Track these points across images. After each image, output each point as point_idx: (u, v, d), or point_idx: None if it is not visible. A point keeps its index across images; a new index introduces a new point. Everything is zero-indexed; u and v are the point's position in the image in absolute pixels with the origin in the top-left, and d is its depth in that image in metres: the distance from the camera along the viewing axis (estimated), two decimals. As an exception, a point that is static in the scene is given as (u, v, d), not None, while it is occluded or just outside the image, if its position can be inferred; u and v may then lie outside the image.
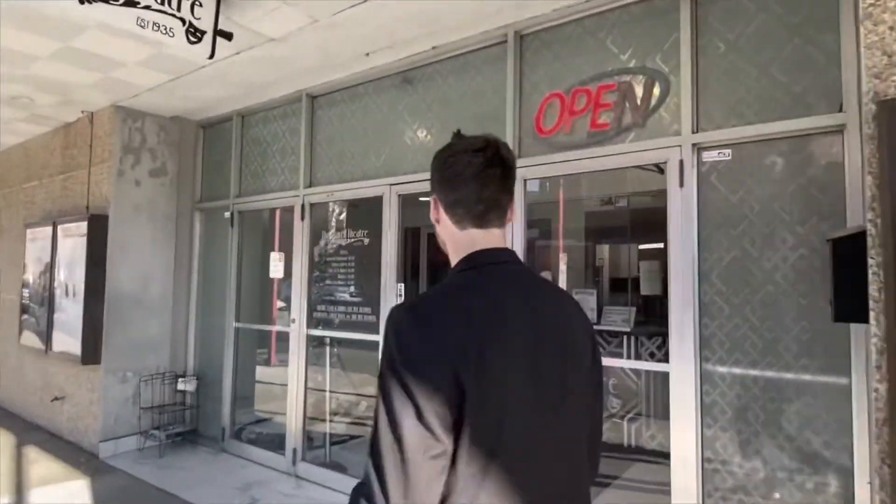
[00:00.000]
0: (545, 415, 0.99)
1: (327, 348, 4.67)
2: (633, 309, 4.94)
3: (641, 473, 4.05)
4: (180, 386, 5.25)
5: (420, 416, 0.88)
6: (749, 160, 2.69)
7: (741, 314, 2.66)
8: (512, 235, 3.31)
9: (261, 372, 5.55)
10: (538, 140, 3.38)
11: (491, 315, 0.97)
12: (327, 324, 4.48)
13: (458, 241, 1.11)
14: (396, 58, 3.95)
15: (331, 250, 4.48)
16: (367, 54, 3.96)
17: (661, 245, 5.62)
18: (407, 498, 0.87)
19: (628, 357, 4.61)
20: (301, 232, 4.58)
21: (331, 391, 4.72)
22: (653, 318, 5.04)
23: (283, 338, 4.76)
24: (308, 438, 4.52)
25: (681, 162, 2.81)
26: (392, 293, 3.95)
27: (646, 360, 4.56)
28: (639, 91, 3.02)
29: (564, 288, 3.53)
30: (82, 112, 5.32)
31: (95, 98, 4.94)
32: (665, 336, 4.52)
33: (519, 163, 3.37)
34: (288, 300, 4.81)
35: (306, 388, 4.49)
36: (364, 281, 4.29)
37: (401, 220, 3.98)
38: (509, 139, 3.44)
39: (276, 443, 4.87)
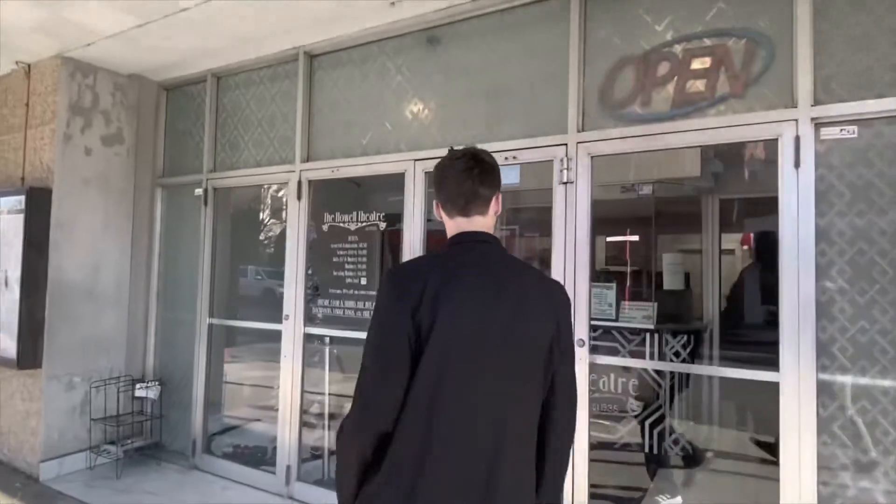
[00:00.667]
0: (486, 355, 1.26)
1: (327, 349, 4.04)
2: (655, 304, 4.61)
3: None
4: (139, 392, 4.46)
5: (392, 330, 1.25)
6: (879, 139, 2.33)
7: (867, 316, 2.31)
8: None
9: (228, 371, 4.82)
10: (605, 112, 2.91)
11: (450, 274, 1.29)
12: (329, 321, 3.85)
13: (449, 227, 1.44)
14: (423, 11, 3.37)
15: (335, 236, 3.85)
16: (393, 3, 3.35)
17: (687, 234, 5.33)
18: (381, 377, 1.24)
19: (651, 357, 4.26)
20: (297, 214, 3.91)
21: (331, 394, 4.10)
22: (676, 314, 4.73)
23: (268, 336, 4.09)
24: (303, 454, 3.89)
25: (796, 139, 2.42)
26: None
27: (671, 359, 4.21)
28: (738, 56, 2.60)
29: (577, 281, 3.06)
30: (17, 63, 4.37)
31: (36, 45, 4.03)
32: (691, 334, 4.26)
33: (583, 137, 2.90)
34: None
35: (303, 395, 3.86)
36: (378, 273, 3.70)
37: (427, 202, 3.41)
38: (572, 110, 2.95)
39: (260, 457, 4.20)
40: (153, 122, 4.79)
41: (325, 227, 3.89)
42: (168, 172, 4.78)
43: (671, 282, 4.79)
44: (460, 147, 1.46)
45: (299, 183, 3.91)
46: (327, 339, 4.01)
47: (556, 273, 2.92)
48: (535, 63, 3.12)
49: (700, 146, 2.73)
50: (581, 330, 2.85)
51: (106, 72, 4.49)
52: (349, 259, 3.74)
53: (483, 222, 1.41)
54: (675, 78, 2.74)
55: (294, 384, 3.85)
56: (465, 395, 1.24)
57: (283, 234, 4.35)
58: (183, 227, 4.65)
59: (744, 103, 2.59)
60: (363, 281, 3.69)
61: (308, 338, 3.89)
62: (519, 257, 1.58)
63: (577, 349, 2.84)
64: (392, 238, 3.64)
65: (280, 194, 4.57)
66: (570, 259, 2.89)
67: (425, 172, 3.39)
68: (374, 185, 3.83)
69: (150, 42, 3.97)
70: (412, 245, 3.40)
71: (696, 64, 2.69)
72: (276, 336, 4.00)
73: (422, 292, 1.24)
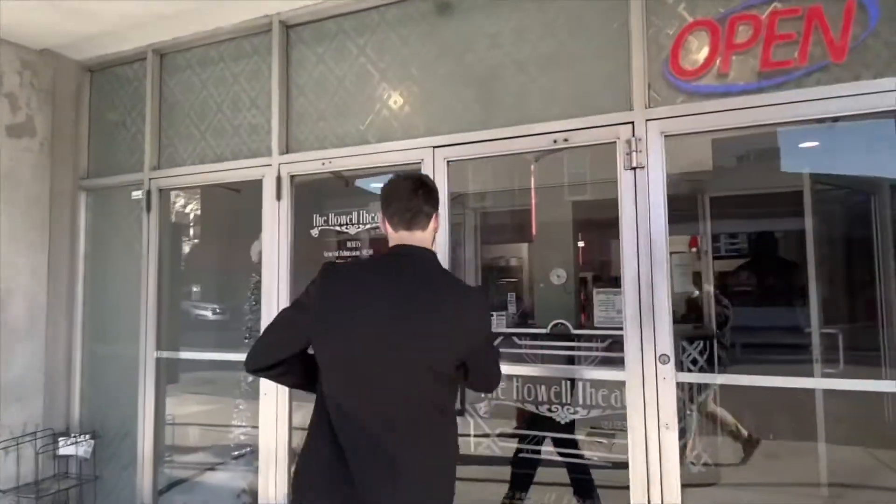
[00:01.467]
0: (374, 351, 1.44)
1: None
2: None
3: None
4: (65, 450, 3.50)
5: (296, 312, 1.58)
6: None
7: None
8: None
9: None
10: (674, 85, 2.48)
11: (359, 277, 1.54)
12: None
13: (392, 239, 1.62)
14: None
15: (329, 243, 3.16)
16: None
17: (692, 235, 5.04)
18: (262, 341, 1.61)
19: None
20: (276, 216, 3.19)
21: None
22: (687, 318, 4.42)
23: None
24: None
25: (921, 109, 2.09)
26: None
27: (689, 368, 3.86)
28: (835, 18, 2.26)
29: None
30: None
31: (-88, 3, 3.06)
32: (707, 340, 3.94)
33: (653, 114, 2.46)
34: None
35: (291, 435, 3.11)
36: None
37: (449, 196, 2.83)
38: (638, 83, 2.50)
39: (232, 522, 3.39)
40: (73, 111, 3.86)
41: (314, 233, 3.19)
42: (94, 172, 3.86)
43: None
44: (406, 172, 1.69)
45: (278, 179, 3.19)
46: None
47: (629, 276, 2.44)
48: (586, 29, 2.65)
49: (797, 120, 2.34)
50: (663, 343, 2.38)
51: (9, 45, 3.54)
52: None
53: (422, 236, 1.61)
54: (759, 44, 2.35)
55: (279, 426, 3.10)
56: (352, 385, 1.46)
57: (249, 243, 3.61)
58: (115, 239, 3.75)
59: (845, 72, 2.24)
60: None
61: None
62: (449, 275, 1.69)
63: (659, 366, 2.37)
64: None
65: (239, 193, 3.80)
66: (645, 259, 2.42)
67: (448, 162, 2.81)
68: (370, 180, 3.20)
69: (68, 3, 3.12)
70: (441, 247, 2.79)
71: (786, 27, 2.32)
72: (231, 365, 3.27)
73: (333, 292, 1.50)
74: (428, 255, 1.58)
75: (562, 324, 4.06)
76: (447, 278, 1.61)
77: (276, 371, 1.58)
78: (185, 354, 3.60)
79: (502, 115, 2.75)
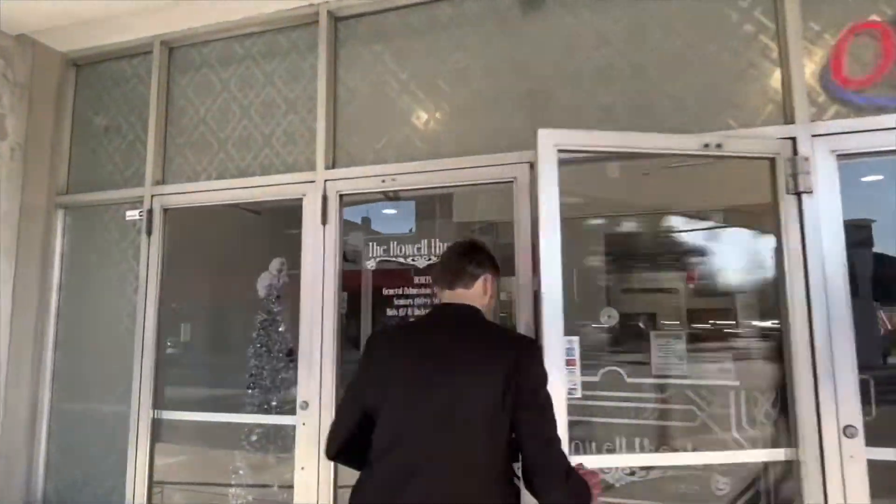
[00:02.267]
0: (415, 400, 1.40)
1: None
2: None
3: None
4: (23, 541, 2.70)
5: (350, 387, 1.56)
6: None
7: None
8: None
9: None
10: (835, 94, 2.08)
11: (398, 337, 1.58)
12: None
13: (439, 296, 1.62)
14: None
15: (390, 277, 2.57)
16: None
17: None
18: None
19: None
20: (322, 244, 2.58)
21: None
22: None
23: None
24: None
25: None
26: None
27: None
28: None
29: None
30: None
31: None
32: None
33: (820, 128, 2.04)
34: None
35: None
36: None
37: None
38: (799, 90, 2.07)
39: None
40: (53, 111, 3.17)
41: (369, 265, 2.60)
42: (76, 186, 3.16)
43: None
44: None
45: (324, 199, 2.60)
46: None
47: (797, 327, 1.97)
48: (723, 26, 2.23)
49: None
50: (849, 410, 1.90)
51: (-20, 26, 2.86)
52: (416, 311, 2.49)
53: (464, 293, 1.54)
54: (945, 51, 1.98)
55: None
56: (399, 437, 1.40)
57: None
58: (100, 268, 3.05)
59: None
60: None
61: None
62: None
63: (846, 441, 1.88)
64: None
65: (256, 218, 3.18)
66: (820, 309, 1.95)
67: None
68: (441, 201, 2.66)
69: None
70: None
71: (977, 32, 1.96)
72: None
73: (382, 355, 1.52)
74: (468, 310, 1.52)
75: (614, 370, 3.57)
76: (500, 331, 1.64)
77: (350, 450, 1.52)
78: (189, 416, 2.89)
79: (616, 125, 2.28)
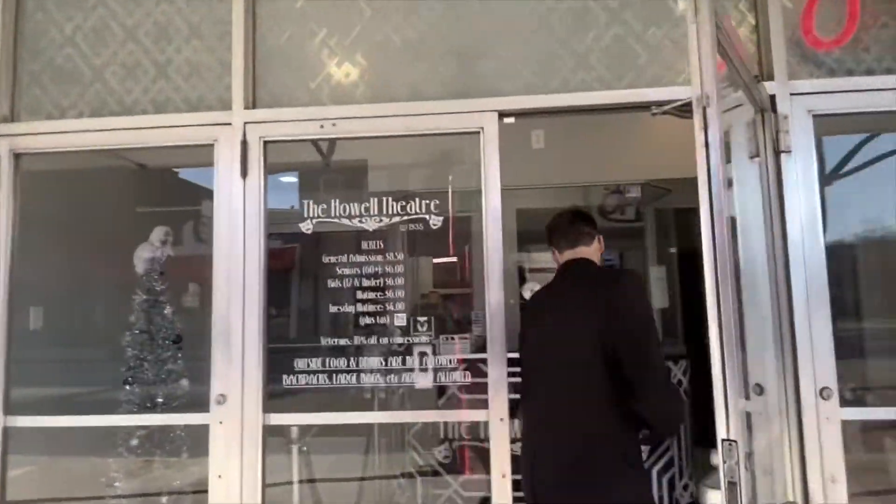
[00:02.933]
0: (548, 348, 1.74)
1: (293, 451, 2.25)
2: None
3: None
4: None
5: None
6: None
7: None
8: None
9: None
10: (806, 57, 2.05)
11: (540, 297, 1.92)
12: (302, 398, 2.12)
13: (559, 261, 1.89)
14: None
15: (332, 242, 2.15)
16: None
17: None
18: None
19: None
20: (242, 201, 2.10)
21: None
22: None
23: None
24: None
25: None
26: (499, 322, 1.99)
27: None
28: (983, -3, 2.01)
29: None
30: None
31: None
32: (689, 359, 3.66)
33: (798, 87, 1.99)
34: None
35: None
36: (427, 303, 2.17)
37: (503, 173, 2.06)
38: (777, 50, 2.01)
39: None
40: None
41: (305, 227, 2.15)
42: None
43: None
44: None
45: (244, 145, 2.11)
46: (294, 433, 2.24)
47: (762, 282, 1.91)
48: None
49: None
50: (825, 372, 1.88)
51: None
52: (366, 282, 2.10)
53: (586, 250, 1.83)
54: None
55: (246, 527, 1.99)
56: (536, 378, 1.77)
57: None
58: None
59: None
60: (397, 319, 2.09)
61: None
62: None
63: (822, 403, 1.87)
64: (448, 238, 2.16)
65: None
66: (798, 270, 1.91)
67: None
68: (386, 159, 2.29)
69: None
70: (490, 265, 2.00)
71: (931, 2, 2.02)
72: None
73: (529, 312, 1.94)
74: (587, 262, 1.81)
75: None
76: (602, 272, 1.88)
77: None
78: (55, 421, 2.25)
79: (592, 76, 2.08)
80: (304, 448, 2.28)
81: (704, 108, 1.23)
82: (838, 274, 2.00)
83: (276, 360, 2.11)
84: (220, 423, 2.03)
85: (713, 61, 1.25)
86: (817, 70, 2.04)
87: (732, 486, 1.11)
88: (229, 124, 2.13)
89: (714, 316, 1.17)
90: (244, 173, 2.10)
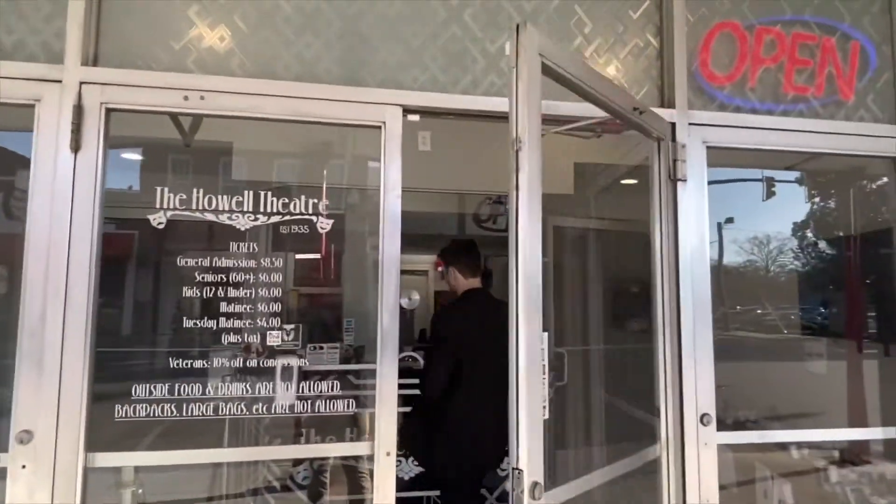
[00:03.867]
0: (481, 362, 2.53)
1: (126, 497, 1.81)
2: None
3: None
4: None
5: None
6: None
7: None
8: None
9: None
10: (701, 89, 2.11)
11: (467, 315, 2.69)
12: (155, 434, 1.71)
13: (461, 285, 2.76)
14: None
15: (190, 239, 1.75)
16: None
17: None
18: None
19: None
20: (70, 181, 1.63)
21: None
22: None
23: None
24: None
25: (918, 160, 2.17)
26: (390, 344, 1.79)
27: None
28: (843, 56, 2.21)
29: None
30: None
31: None
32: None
33: (695, 117, 2.05)
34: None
35: None
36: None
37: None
38: (679, 78, 2.03)
39: None
40: None
41: (156, 220, 1.73)
42: None
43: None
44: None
45: (78, 110, 1.65)
46: (129, 475, 1.80)
47: (660, 312, 1.93)
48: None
49: (806, 151, 2.21)
50: (704, 401, 1.93)
51: None
52: (232, 289, 1.74)
53: (478, 282, 2.77)
54: (784, 64, 2.16)
55: None
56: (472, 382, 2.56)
57: None
58: None
59: (855, 111, 2.21)
60: (275, 336, 1.76)
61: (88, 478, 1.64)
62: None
63: (702, 428, 1.92)
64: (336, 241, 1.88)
65: None
66: (687, 299, 1.94)
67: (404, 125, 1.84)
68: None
69: None
70: (387, 265, 1.78)
71: (804, 53, 2.19)
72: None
73: (457, 326, 2.69)
74: (484, 292, 2.82)
75: (410, 357, 3.33)
76: (495, 299, 2.80)
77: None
78: None
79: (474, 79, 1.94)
80: (140, 491, 1.85)
81: (517, 152, 1.25)
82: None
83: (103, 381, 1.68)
84: (23, 467, 1.56)
85: (531, 105, 1.25)
86: (710, 103, 2.10)
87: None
88: (59, 81, 1.65)
89: (513, 338, 1.23)
90: (76, 146, 1.64)
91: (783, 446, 2.63)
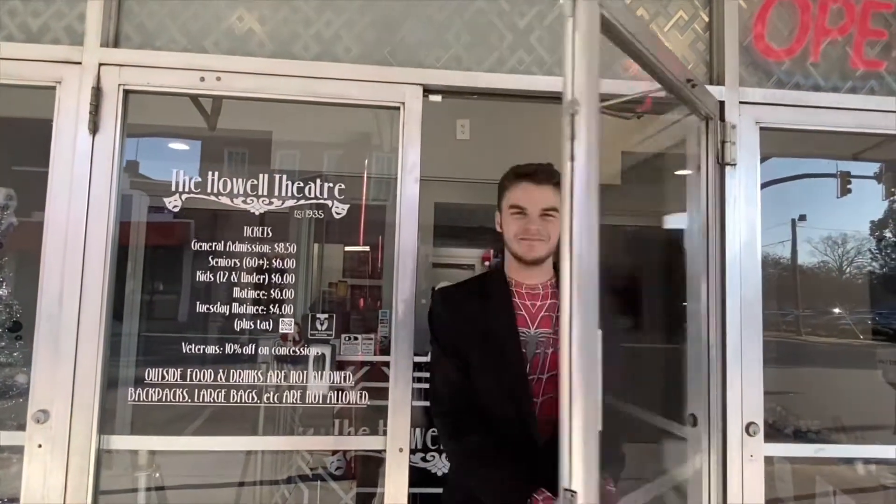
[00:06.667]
0: None
1: (142, 478, 1.82)
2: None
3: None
4: None
5: None
6: None
7: None
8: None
9: None
10: (756, 65, 1.91)
11: None
12: (163, 419, 1.70)
13: None
14: None
15: (207, 226, 1.73)
16: None
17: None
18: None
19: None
20: (88, 163, 1.64)
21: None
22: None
23: None
24: None
25: None
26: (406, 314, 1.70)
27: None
28: (926, 24, 1.95)
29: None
30: None
31: None
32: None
33: (747, 95, 1.84)
34: None
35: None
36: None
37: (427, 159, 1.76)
38: (731, 53, 1.84)
39: None
40: None
41: (171, 203, 1.72)
42: None
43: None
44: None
45: (96, 93, 1.64)
46: (143, 459, 1.81)
47: (701, 308, 1.75)
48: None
49: (877, 133, 1.96)
50: (753, 406, 1.74)
51: None
52: (245, 275, 1.71)
53: None
54: (853, 36, 1.93)
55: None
56: None
57: None
58: None
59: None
60: (282, 322, 1.72)
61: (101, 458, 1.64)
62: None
63: (748, 439, 1.73)
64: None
65: None
66: (734, 298, 1.76)
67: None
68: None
69: None
70: (401, 243, 1.69)
71: (878, 23, 1.94)
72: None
73: None
74: None
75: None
76: None
77: None
78: None
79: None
80: (157, 474, 1.85)
81: (573, 116, 0.99)
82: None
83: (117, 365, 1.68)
84: (39, 446, 1.58)
85: (590, 60, 1.01)
86: (766, 80, 1.90)
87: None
88: (79, 63, 1.65)
89: (565, 335, 0.95)
90: (94, 128, 1.63)
91: (848, 460, 2.38)
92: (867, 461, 2.45)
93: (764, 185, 1.88)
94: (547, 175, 1.40)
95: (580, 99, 0.98)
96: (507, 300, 1.43)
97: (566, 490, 0.94)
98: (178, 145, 2.98)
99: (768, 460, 1.76)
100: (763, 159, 1.85)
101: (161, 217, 2.08)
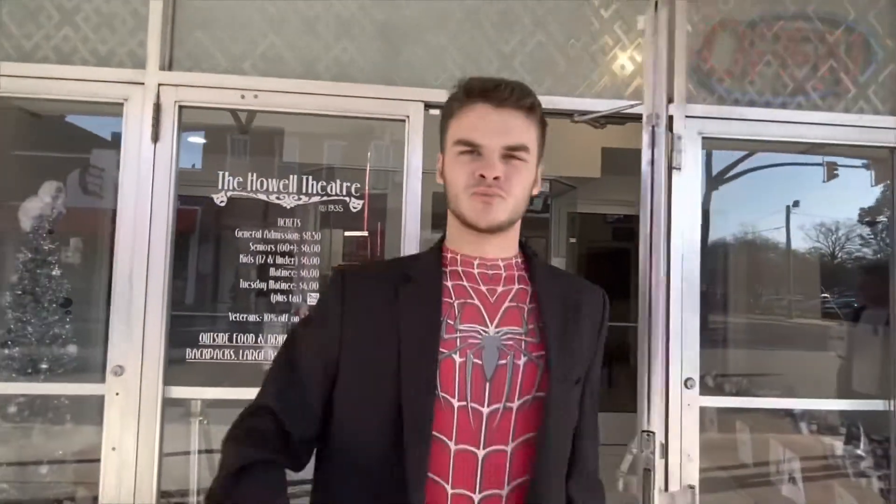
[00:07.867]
0: None
1: (195, 425, 2.22)
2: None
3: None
4: None
5: None
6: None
7: None
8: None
9: None
10: (701, 85, 2.28)
11: None
12: (207, 371, 2.11)
13: None
14: None
15: (245, 217, 2.12)
16: None
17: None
18: None
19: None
20: (151, 167, 2.01)
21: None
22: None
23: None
24: None
25: (917, 151, 2.27)
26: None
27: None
28: (847, 49, 2.33)
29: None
30: None
31: None
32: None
33: (691, 109, 2.22)
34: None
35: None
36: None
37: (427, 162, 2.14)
38: (679, 73, 2.22)
39: None
40: None
41: (219, 199, 2.10)
42: None
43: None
44: None
45: (157, 108, 2.01)
46: (195, 406, 2.21)
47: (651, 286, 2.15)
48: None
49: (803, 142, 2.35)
50: (691, 363, 2.15)
51: None
52: (279, 260, 2.10)
53: None
54: (785, 59, 2.30)
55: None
56: None
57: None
58: None
59: (854, 103, 2.33)
60: (310, 297, 2.12)
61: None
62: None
63: (685, 391, 2.14)
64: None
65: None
66: (677, 282, 2.16)
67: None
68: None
69: None
70: (408, 231, 2.08)
71: (806, 47, 2.32)
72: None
73: None
74: None
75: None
76: None
77: None
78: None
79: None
80: (205, 421, 2.26)
81: (653, 128, 1.34)
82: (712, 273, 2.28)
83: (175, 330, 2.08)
84: (117, 394, 1.97)
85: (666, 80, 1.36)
86: (710, 96, 2.28)
87: (647, 473, 1.27)
88: (142, 84, 2.02)
89: (645, 317, 1.32)
90: (156, 138, 2.01)
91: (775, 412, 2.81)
92: (802, 418, 2.88)
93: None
94: (513, 93, 0.93)
95: (660, 113, 1.28)
96: (433, 285, 0.95)
97: (644, 431, 1.18)
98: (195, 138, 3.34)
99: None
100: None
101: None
